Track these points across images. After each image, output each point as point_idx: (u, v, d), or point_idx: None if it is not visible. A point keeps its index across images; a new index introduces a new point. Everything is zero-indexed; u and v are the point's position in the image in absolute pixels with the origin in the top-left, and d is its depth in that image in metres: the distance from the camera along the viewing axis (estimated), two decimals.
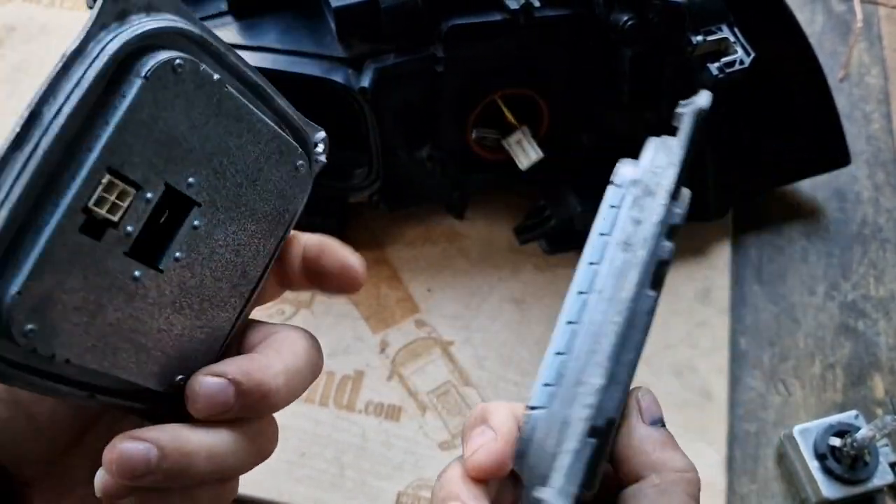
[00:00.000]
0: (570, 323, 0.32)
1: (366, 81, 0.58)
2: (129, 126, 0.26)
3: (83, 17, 0.27)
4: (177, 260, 0.29)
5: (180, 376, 0.31)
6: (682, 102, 0.34)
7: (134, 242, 0.28)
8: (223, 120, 0.29)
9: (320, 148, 0.34)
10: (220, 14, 0.61)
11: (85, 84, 0.25)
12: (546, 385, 0.31)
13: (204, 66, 0.28)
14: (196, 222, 0.30)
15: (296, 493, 0.62)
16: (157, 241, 0.29)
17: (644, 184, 0.34)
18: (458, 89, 0.62)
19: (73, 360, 0.27)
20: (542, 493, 0.29)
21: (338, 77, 0.58)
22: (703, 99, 0.34)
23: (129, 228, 0.27)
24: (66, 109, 0.25)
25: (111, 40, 0.26)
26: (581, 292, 0.33)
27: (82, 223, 0.26)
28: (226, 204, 0.30)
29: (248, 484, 0.62)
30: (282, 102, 0.33)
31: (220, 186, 0.30)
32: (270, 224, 0.32)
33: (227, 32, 0.61)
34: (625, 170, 0.35)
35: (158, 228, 0.29)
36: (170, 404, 0.32)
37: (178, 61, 0.27)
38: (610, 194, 0.35)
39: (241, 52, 0.60)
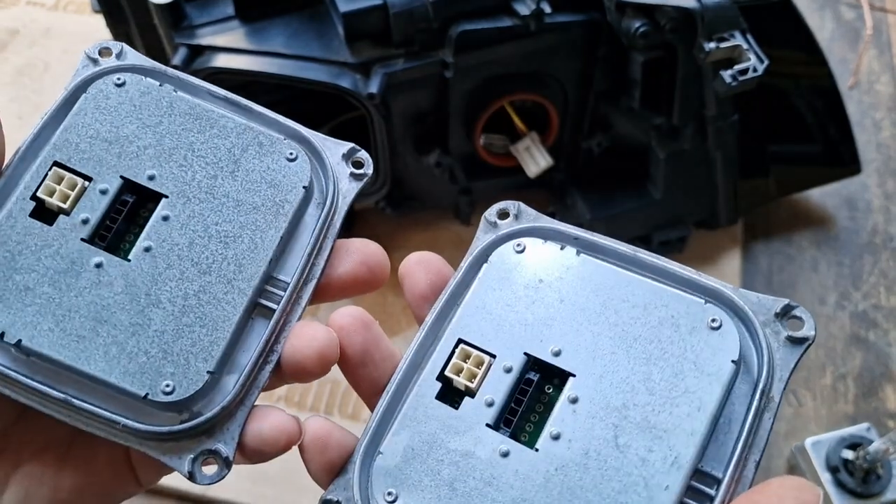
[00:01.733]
0: None
1: (374, 87, 0.57)
2: (72, 127, 0.31)
3: (86, 21, 0.31)
4: (147, 250, 0.30)
5: (167, 382, 0.29)
6: None
7: (95, 231, 0.30)
8: (178, 119, 0.32)
9: (361, 158, 0.34)
10: (228, 18, 0.61)
11: (48, 113, 0.32)
12: None
13: (148, 78, 0.32)
14: (166, 213, 0.31)
15: (299, 503, 0.61)
16: (128, 233, 0.31)
17: None
18: (467, 95, 0.61)
19: (24, 342, 0.28)
20: None
21: (345, 82, 0.58)
22: None
23: (85, 216, 0.30)
24: (35, 131, 0.31)
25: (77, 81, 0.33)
26: None
27: (32, 209, 0.30)
28: (199, 195, 0.31)
29: (251, 493, 0.61)
30: (268, 112, 0.34)
31: (188, 178, 0.31)
32: (266, 215, 0.31)
33: (234, 37, 0.60)
34: None
35: (133, 222, 0.31)
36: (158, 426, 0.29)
37: (118, 77, 0.32)
38: None
39: (248, 57, 0.60)
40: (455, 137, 0.64)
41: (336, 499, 0.29)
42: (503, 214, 0.33)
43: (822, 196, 0.77)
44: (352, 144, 0.34)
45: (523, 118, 0.64)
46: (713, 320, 0.28)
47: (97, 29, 0.87)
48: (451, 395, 0.29)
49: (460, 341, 0.30)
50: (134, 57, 0.33)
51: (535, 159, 0.65)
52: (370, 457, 0.29)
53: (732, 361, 0.27)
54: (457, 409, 0.29)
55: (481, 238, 0.32)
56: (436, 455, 0.28)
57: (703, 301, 0.29)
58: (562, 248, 0.31)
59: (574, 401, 0.28)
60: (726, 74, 0.55)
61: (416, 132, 0.62)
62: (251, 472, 0.62)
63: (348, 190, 0.33)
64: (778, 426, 0.65)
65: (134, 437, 0.29)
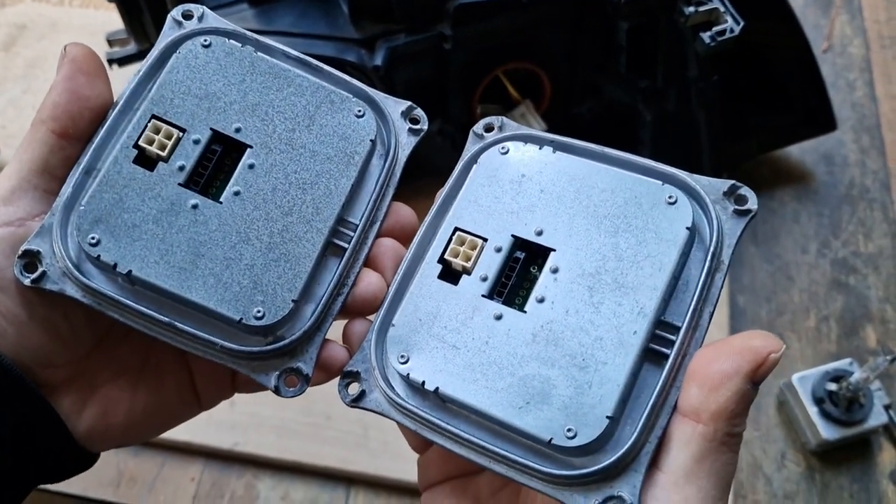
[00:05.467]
0: None
1: (378, 60, 0.61)
2: (167, 84, 0.35)
3: (91, 14, 0.34)
4: (236, 194, 0.34)
5: (258, 308, 0.33)
6: None
7: (190, 177, 0.34)
8: (259, 77, 0.36)
9: (417, 115, 0.38)
10: (237, 1, 0.64)
11: (143, 69, 0.35)
12: None
13: (232, 40, 0.36)
14: (251, 161, 0.34)
15: (323, 454, 0.65)
16: (217, 178, 0.35)
17: None
18: (465, 66, 0.65)
19: (135, 272, 0.32)
20: None
21: (351, 57, 0.61)
22: None
23: (181, 163, 0.34)
24: (131, 86, 0.35)
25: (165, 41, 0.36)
26: None
27: (135, 157, 0.34)
28: (280, 146, 0.35)
29: (276, 447, 0.65)
30: (335, 72, 0.38)
31: (269, 131, 0.35)
32: (338, 164, 0.35)
33: (245, 19, 0.64)
34: None
35: (221, 169, 0.35)
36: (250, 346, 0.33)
37: (205, 39, 0.35)
38: None
39: (259, 37, 0.63)
40: (454, 107, 0.68)
41: (356, 370, 0.34)
42: (489, 128, 0.37)
43: (802, 153, 0.82)
44: (409, 103, 0.38)
45: (517, 87, 0.68)
46: (670, 197, 0.32)
47: (103, 22, 0.90)
48: (450, 275, 0.34)
49: (456, 229, 0.34)
50: (214, 20, 0.37)
51: (530, 125, 0.68)
52: (384, 332, 0.33)
53: (686, 228, 0.32)
54: (456, 285, 0.33)
55: (470, 148, 0.37)
56: (440, 323, 0.33)
57: (661, 183, 0.33)
58: (540, 148, 0.35)
59: (555, 270, 0.32)
60: (706, 36, 0.60)
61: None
62: (276, 426, 0.66)
63: (406, 143, 0.38)
64: None
65: (228, 357, 0.33)
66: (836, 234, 0.77)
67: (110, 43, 0.80)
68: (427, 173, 0.75)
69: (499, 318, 0.32)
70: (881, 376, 0.63)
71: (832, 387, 0.64)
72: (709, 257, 0.32)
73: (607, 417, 0.29)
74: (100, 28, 0.87)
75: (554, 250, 0.33)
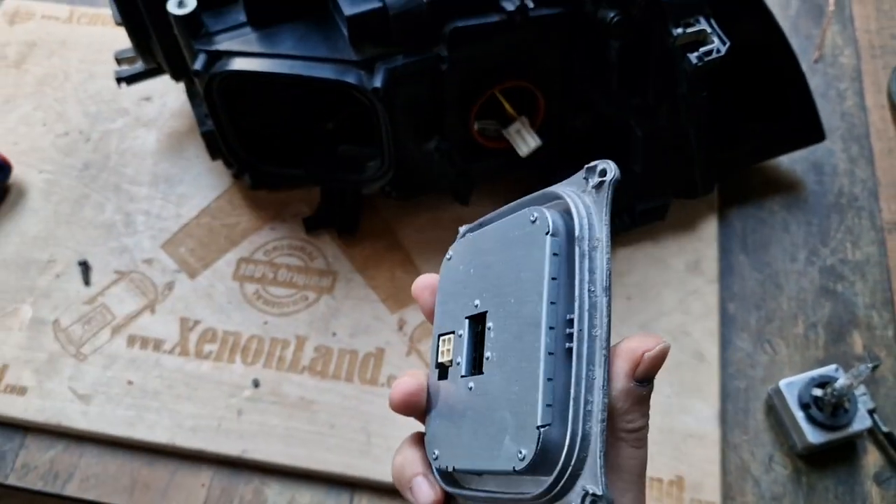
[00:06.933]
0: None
1: (377, 82, 0.63)
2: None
3: (99, 32, 0.33)
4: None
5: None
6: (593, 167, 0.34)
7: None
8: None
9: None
10: (241, 25, 0.67)
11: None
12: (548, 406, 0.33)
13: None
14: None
15: (327, 460, 0.68)
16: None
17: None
18: (461, 85, 0.67)
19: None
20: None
21: (351, 78, 0.64)
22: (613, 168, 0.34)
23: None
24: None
25: None
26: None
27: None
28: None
29: (282, 454, 0.68)
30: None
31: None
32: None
33: (248, 41, 0.66)
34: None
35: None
36: None
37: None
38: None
39: (262, 60, 0.66)
40: (452, 124, 0.70)
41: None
42: None
43: (792, 163, 0.84)
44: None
45: (513, 103, 0.71)
46: (532, 218, 0.34)
47: (111, 39, 0.93)
48: (444, 373, 0.38)
49: (439, 336, 0.39)
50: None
51: (526, 140, 0.71)
52: None
53: (545, 234, 0.33)
54: (447, 378, 0.38)
55: None
56: (444, 413, 0.37)
57: (527, 209, 0.35)
58: (462, 237, 0.40)
59: (490, 329, 0.35)
60: (693, 56, 0.62)
61: (416, 121, 0.69)
62: (283, 435, 0.69)
63: None
64: (755, 372, 0.72)
65: None
66: (825, 243, 0.79)
67: (118, 61, 0.83)
68: (425, 189, 0.78)
69: (470, 388, 0.36)
70: (866, 382, 0.66)
71: (818, 392, 0.67)
72: (576, 242, 0.32)
73: (537, 428, 0.31)
74: (108, 45, 0.89)
75: (487, 311, 0.36)
